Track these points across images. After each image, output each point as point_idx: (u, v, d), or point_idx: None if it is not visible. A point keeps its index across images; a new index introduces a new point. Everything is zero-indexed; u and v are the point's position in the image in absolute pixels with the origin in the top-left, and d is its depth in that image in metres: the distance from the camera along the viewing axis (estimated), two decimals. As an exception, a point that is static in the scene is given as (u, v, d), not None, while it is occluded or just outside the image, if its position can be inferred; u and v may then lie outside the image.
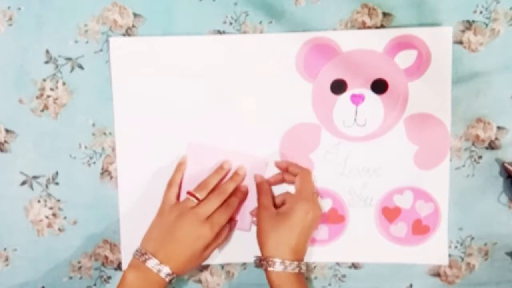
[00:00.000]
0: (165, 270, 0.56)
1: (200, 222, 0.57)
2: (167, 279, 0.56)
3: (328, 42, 0.62)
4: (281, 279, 0.56)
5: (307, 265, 0.60)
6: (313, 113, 0.63)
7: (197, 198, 0.59)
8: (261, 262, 0.57)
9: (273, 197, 0.63)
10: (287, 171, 0.63)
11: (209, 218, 0.58)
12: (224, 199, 0.60)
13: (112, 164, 0.64)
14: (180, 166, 0.62)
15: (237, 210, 0.63)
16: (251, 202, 0.63)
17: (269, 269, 0.56)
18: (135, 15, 0.62)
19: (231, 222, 0.63)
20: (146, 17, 0.62)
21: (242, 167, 0.63)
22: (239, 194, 0.62)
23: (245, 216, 0.64)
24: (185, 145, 0.63)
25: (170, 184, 0.61)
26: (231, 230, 0.63)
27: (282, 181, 0.63)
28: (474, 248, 0.65)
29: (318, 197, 0.63)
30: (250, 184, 0.63)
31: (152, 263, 0.56)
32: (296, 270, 0.56)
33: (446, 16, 0.61)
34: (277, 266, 0.56)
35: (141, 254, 0.56)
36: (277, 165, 0.63)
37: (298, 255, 0.57)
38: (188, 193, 0.60)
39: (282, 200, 0.61)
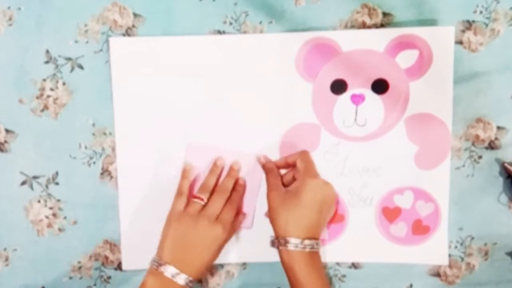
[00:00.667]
0: (184, 277, 0.56)
1: (212, 224, 0.58)
2: (187, 286, 0.56)
3: (328, 42, 0.62)
4: (294, 258, 0.56)
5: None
6: (313, 113, 0.63)
7: (202, 200, 0.59)
8: (274, 241, 0.57)
9: (281, 177, 0.62)
10: (288, 165, 0.63)
11: (219, 218, 0.59)
12: (228, 196, 0.61)
13: (112, 164, 0.64)
14: (186, 173, 0.62)
15: (240, 205, 0.63)
16: (250, 199, 0.63)
17: (281, 248, 0.56)
18: (135, 15, 0.62)
19: (237, 216, 0.62)
20: (146, 17, 0.62)
21: (237, 162, 0.63)
22: (238, 188, 0.63)
23: (246, 214, 0.64)
24: (185, 145, 0.63)
25: (179, 193, 0.61)
26: (238, 224, 0.63)
27: (286, 165, 0.63)
28: (474, 248, 0.65)
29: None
30: (247, 181, 0.63)
31: (171, 272, 0.56)
32: (308, 249, 0.56)
33: (446, 16, 0.61)
34: (290, 245, 0.55)
35: (158, 265, 0.56)
36: (277, 164, 0.63)
37: (312, 233, 0.57)
38: (193, 196, 0.60)
39: (291, 177, 0.62)
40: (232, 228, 0.61)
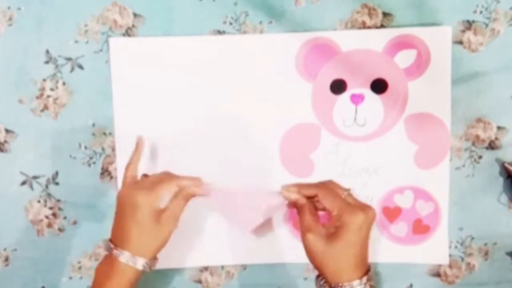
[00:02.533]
0: (124, 256, 0.53)
1: (136, 189, 0.55)
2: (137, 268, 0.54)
3: (327, 42, 0.62)
4: None
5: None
6: (313, 113, 0.63)
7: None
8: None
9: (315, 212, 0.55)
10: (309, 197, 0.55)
11: (147, 185, 0.55)
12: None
13: (112, 164, 0.64)
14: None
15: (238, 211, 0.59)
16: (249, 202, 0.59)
17: None
18: (135, 15, 0.62)
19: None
20: (146, 17, 0.62)
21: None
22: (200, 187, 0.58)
23: (247, 219, 0.59)
24: (185, 145, 0.63)
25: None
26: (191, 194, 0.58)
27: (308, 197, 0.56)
28: (474, 248, 0.65)
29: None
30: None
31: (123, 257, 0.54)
32: (369, 285, 0.51)
33: (446, 16, 0.61)
34: None
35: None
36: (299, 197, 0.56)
37: (363, 268, 0.52)
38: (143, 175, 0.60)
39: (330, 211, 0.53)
40: (176, 198, 0.56)
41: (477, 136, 0.63)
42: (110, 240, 0.55)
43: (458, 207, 0.64)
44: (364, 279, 0.51)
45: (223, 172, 0.63)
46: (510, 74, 0.62)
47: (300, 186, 0.56)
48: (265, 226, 0.63)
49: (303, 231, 0.53)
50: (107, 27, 0.62)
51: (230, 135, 0.63)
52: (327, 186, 0.55)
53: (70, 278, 0.66)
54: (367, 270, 0.52)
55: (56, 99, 0.63)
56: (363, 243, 0.52)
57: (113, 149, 0.64)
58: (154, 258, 0.56)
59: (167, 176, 0.57)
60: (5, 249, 0.65)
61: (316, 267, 0.53)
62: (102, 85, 0.63)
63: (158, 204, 0.55)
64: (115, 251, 0.54)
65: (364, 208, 0.52)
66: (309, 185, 0.56)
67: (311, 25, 0.62)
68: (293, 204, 0.56)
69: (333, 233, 0.51)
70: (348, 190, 0.55)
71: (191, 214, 0.64)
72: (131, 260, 0.53)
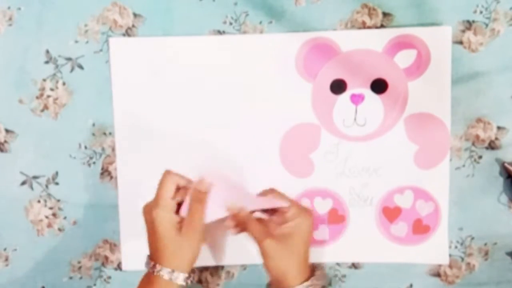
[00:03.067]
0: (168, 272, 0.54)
1: (151, 208, 0.55)
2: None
3: (327, 42, 0.62)
4: None
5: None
6: (313, 113, 0.63)
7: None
8: None
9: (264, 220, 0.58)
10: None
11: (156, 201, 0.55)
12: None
13: (112, 164, 0.64)
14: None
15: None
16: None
17: None
18: (135, 15, 0.62)
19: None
20: (146, 17, 0.62)
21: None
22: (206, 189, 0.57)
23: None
24: (184, 145, 0.63)
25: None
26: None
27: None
28: (474, 248, 0.65)
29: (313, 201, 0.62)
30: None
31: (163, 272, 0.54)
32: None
33: (446, 16, 0.61)
34: None
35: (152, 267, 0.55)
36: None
37: (309, 268, 0.56)
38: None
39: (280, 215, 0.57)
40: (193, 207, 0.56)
41: (477, 136, 0.63)
42: (150, 257, 0.55)
43: (458, 207, 0.64)
44: (314, 279, 0.54)
45: (223, 172, 0.63)
46: (510, 74, 0.62)
47: (277, 195, 0.58)
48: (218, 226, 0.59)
49: (261, 238, 0.54)
50: (107, 27, 0.62)
51: (230, 135, 0.63)
52: (276, 191, 0.58)
53: (70, 278, 0.66)
54: (312, 271, 0.56)
55: (56, 99, 0.63)
56: (308, 246, 0.56)
57: (113, 149, 0.64)
58: (193, 271, 0.56)
59: (161, 177, 0.57)
60: (5, 249, 0.65)
61: (274, 272, 0.55)
62: (102, 85, 0.63)
63: (170, 211, 0.55)
64: (156, 267, 0.54)
65: (302, 212, 0.56)
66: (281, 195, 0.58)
67: (311, 25, 0.62)
68: (236, 218, 0.56)
69: (286, 237, 0.55)
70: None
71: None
72: (171, 276, 0.53)
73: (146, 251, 0.58)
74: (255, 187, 0.62)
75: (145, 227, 0.56)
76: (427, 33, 0.61)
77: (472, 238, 0.64)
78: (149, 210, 0.55)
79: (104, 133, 0.64)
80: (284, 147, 0.63)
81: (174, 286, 0.54)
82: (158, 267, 0.53)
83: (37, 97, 0.63)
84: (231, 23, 0.62)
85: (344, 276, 0.65)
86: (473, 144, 0.63)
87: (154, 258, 0.55)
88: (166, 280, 0.53)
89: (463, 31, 0.62)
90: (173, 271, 0.53)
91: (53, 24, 0.62)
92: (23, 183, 0.64)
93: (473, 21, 0.62)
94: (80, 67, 0.63)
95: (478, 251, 0.65)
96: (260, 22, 0.62)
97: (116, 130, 0.63)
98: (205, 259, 0.65)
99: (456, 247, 0.65)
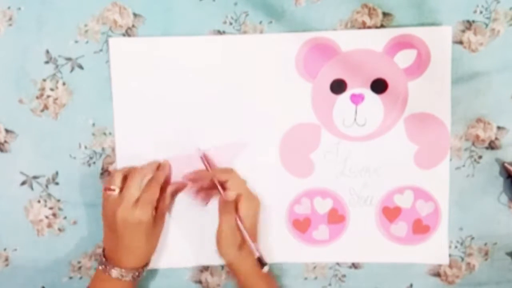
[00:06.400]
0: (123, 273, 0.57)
1: (129, 209, 0.56)
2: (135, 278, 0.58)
3: (327, 42, 0.62)
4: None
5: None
6: (313, 113, 0.63)
7: (113, 190, 0.58)
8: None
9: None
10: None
11: (138, 200, 0.57)
12: (145, 178, 0.59)
13: (112, 164, 0.64)
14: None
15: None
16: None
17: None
18: (135, 15, 0.62)
19: (162, 194, 0.60)
20: (146, 17, 0.62)
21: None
22: (163, 166, 0.61)
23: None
24: (184, 145, 0.63)
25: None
26: (174, 194, 0.63)
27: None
28: (474, 248, 0.65)
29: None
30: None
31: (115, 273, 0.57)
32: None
33: (446, 16, 0.61)
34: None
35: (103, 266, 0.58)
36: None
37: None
38: (104, 189, 0.59)
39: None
40: (160, 207, 0.60)
41: (477, 136, 0.63)
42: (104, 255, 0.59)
43: (458, 207, 0.64)
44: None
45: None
46: (510, 74, 0.62)
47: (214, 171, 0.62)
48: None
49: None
50: (107, 27, 0.62)
51: (230, 135, 0.63)
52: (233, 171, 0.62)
53: (70, 278, 0.66)
54: None
55: (56, 99, 0.63)
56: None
57: (113, 149, 0.64)
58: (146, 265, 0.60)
59: (153, 186, 0.59)
60: (5, 249, 0.65)
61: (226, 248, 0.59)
62: (102, 85, 0.63)
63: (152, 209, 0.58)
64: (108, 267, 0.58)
65: (249, 197, 0.61)
66: (222, 170, 0.62)
67: (311, 25, 0.62)
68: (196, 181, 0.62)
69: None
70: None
71: (191, 214, 0.64)
72: (121, 275, 0.57)
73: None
74: (255, 187, 0.63)
75: (108, 225, 0.59)
76: (427, 33, 0.61)
77: (472, 238, 0.64)
78: (127, 210, 0.56)
79: (104, 133, 0.64)
80: (284, 147, 0.63)
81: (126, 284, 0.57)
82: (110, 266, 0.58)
83: (37, 97, 0.63)
84: (231, 23, 0.62)
85: (344, 276, 0.65)
86: (473, 144, 0.63)
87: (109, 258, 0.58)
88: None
89: (463, 31, 0.62)
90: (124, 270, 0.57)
91: (53, 24, 0.62)
92: (23, 183, 0.64)
93: (473, 21, 0.62)
94: (80, 67, 0.63)
95: (478, 251, 0.65)
96: (260, 22, 0.62)
97: (116, 130, 0.63)
98: (205, 259, 0.65)
99: (456, 247, 0.65)
